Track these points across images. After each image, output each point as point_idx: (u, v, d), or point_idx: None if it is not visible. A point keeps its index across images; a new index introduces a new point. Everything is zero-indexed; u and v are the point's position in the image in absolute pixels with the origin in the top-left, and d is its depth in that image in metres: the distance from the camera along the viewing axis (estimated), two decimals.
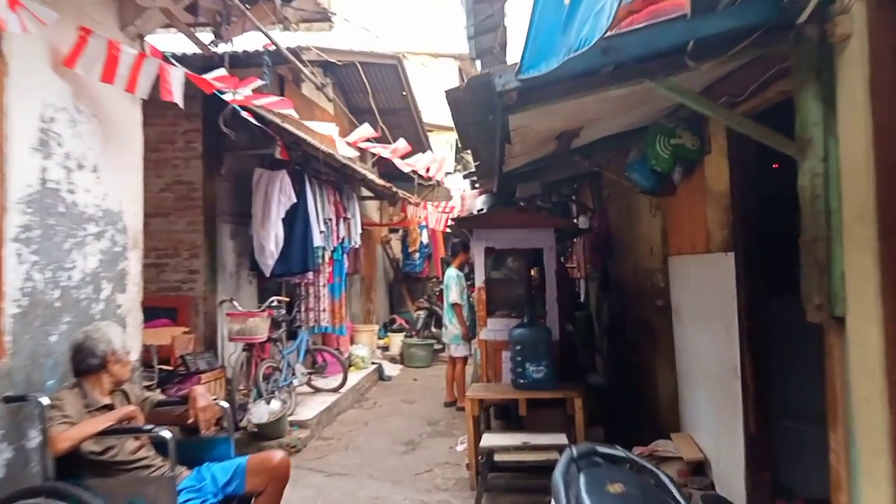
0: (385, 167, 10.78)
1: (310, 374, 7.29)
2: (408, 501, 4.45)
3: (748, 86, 2.92)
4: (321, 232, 6.96)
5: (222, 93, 4.50)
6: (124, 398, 3.05)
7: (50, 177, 3.18)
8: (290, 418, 5.85)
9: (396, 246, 13.07)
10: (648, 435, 4.77)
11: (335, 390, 7.20)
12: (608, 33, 1.90)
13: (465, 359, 7.21)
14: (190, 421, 3.03)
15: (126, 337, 3.63)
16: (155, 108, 5.71)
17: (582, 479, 1.67)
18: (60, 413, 2.64)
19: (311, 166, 7.02)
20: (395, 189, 9.65)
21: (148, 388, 5.14)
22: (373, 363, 9.12)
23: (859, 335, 2.14)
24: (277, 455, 3.11)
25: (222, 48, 4.40)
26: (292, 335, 7.11)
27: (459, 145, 14.46)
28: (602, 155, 4.85)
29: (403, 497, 4.52)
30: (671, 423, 4.54)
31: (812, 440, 3.17)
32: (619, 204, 5.97)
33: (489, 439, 4.29)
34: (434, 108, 12.88)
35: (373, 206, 11.71)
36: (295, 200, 6.44)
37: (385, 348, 10.62)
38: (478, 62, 6.83)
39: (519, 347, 4.59)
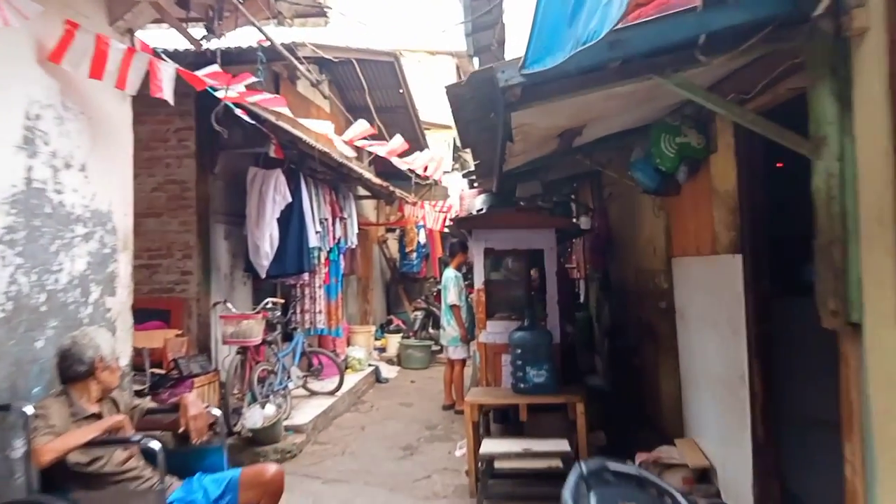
0: (382, 166, 10.67)
1: (305, 376, 7.18)
2: None
3: (757, 83, 2.84)
4: (317, 232, 6.85)
5: (215, 90, 4.39)
6: (113, 406, 2.94)
7: (35, 176, 3.07)
8: (285, 423, 5.74)
9: (393, 246, 12.96)
10: (650, 439, 4.68)
11: (331, 393, 7.10)
12: (617, 26, 1.80)
13: (463, 361, 7.11)
14: (181, 430, 2.93)
15: (115, 342, 3.54)
16: (147, 105, 5.59)
17: (593, 498, 1.58)
18: (45, 423, 2.53)
19: (306, 165, 6.90)
20: (392, 188, 9.54)
21: (140, 392, 5.07)
22: (369, 365, 9.02)
23: (877, 342, 2.05)
24: (271, 468, 3.01)
25: (215, 44, 4.29)
26: (288, 337, 7.01)
27: (458, 144, 14.39)
28: (604, 154, 4.76)
29: None
30: (674, 427, 4.46)
31: (822, 447, 3.10)
32: (621, 203, 5.88)
33: (489, 445, 4.19)
34: (431, 106, 12.79)
35: (369, 206, 11.60)
36: (290, 200, 6.32)
37: (382, 350, 10.52)
38: (475, 59, 6.72)
39: (519, 351, 4.50)
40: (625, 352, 6.09)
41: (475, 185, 6.72)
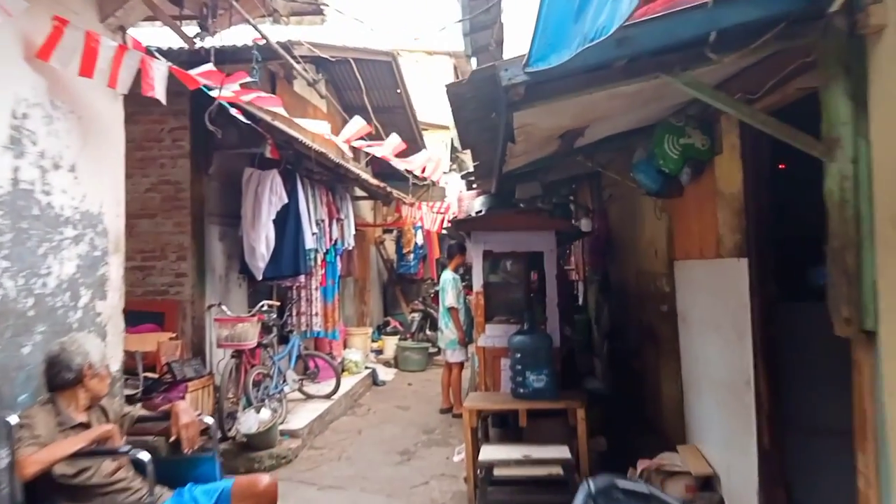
0: (379, 166, 10.60)
1: (301, 380, 7.09)
2: None
3: (765, 82, 2.77)
4: (313, 234, 6.76)
5: (210, 89, 4.30)
6: (102, 414, 2.86)
7: (23, 177, 2.98)
8: (280, 427, 5.65)
9: (390, 247, 12.87)
10: (651, 444, 4.61)
11: (328, 397, 7.01)
12: (627, 22, 1.73)
13: (461, 364, 7.03)
14: (172, 438, 2.85)
15: (106, 347, 3.46)
16: (140, 104, 5.49)
17: None
18: (30, 433, 2.44)
19: (302, 166, 6.82)
20: (389, 189, 9.46)
21: (132, 397, 4.98)
22: (366, 368, 8.94)
23: (893, 351, 1.98)
24: (264, 479, 2.92)
25: (209, 42, 4.20)
26: (283, 340, 6.92)
27: (455, 144, 14.32)
28: (605, 155, 4.68)
29: None
30: (676, 433, 4.39)
31: (830, 455, 3.04)
32: (621, 205, 5.81)
33: (488, 452, 4.11)
34: (429, 107, 12.73)
35: (366, 207, 11.52)
36: (286, 201, 6.24)
37: (379, 352, 10.43)
38: (473, 59, 6.65)
39: (519, 355, 4.41)
40: (624, 355, 6.02)
41: (474, 186, 6.64)
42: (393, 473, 5.16)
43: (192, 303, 5.83)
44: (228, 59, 5.06)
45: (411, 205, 10.65)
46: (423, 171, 6.84)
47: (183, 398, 5.11)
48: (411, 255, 12.20)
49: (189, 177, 5.89)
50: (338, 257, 7.87)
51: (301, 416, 6.25)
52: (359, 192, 9.78)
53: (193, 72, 4.15)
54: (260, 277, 6.24)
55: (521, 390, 4.42)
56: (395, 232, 12.51)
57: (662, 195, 4.09)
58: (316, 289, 7.21)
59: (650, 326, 5.13)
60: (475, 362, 5.69)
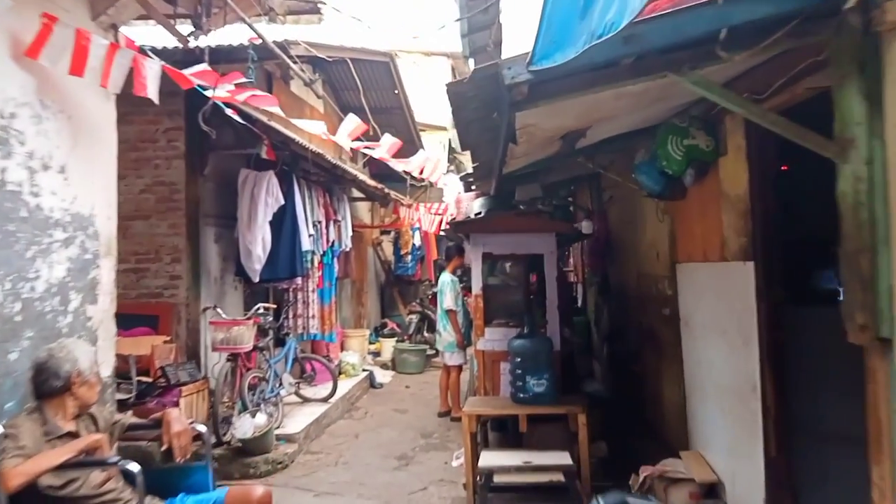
0: (376, 167, 10.51)
1: (298, 383, 7.00)
2: None
3: (773, 82, 2.70)
4: (310, 235, 6.68)
5: (204, 88, 4.22)
6: (91, 423, 2.77)
7: (10, 178, 2.89)
8: (276, 431, 5.56)
9: (388, 248, 12.79)
10: (653, 450, 4.55)
11: (324, 400, 6.92)
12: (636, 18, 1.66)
13: (459, 367, 6.95)
14: (163, 447, 2.77)
15: (97, 352, 3.38)
16: (134, 104, 5.40)
17: None
18: (14, 444, 2.36)
19: (299, 167, 6.74)
20: (386, 190, 9.38)
21: (125, 401, 4.90)
22: (364, 370, 8.85)
23: None
24: (258, 490, 2.84)
25: (204, 42, 4.12)
26: (280, 343, 6.83)
27: (453, 145, 14.26)
28: (606, 156, 4.61)
29: None
30: (678, 438, 4.32)
31: (839, 462, 2.97)
32: (622, 207, 5.75)
33: (488, 458, 4.04)
34: (426, 108, 12.66)
35: (364, 208, 11.44)
36: (283, 202, 6.15)
37: (376, 354, 10.34)
38: (471, 60, 6.58)
39: (519, 360, 4.35)
40: (624, 357, 5.96)
41: (472, 187, 6.57)
42: (391, 479, 5.08)
43: (186, 305, 5.75)
44: (223, 58, 4.98)
45: (409, 206, 10.58)
46: (422, 171, 6.76)
47: (177, 403, 5.03)
48: (409, 257, 12.13)
49: (184, 178, 5.80)
50: (335, 259, 7.79)
51: (297, 420, 6.17)
52: (356, 194, 9.70)
53: (187, 71, 4.08)
54: (256, 280, 6.15)
55: (522, 395, 4.35)
56: (392, 233, 12.43)
57: (665, 197, 4.02)
58: (313, 291, 7.13)
59: (651, 329, 5.06)
60: (474, 366, 5.61)
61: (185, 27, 4.18)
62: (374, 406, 7.76)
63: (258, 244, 5.96)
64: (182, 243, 5.76)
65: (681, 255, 4.18)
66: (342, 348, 9.09)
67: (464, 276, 7.31)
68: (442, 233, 11.38)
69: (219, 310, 5.81)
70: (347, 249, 8.37)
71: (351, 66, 8.28)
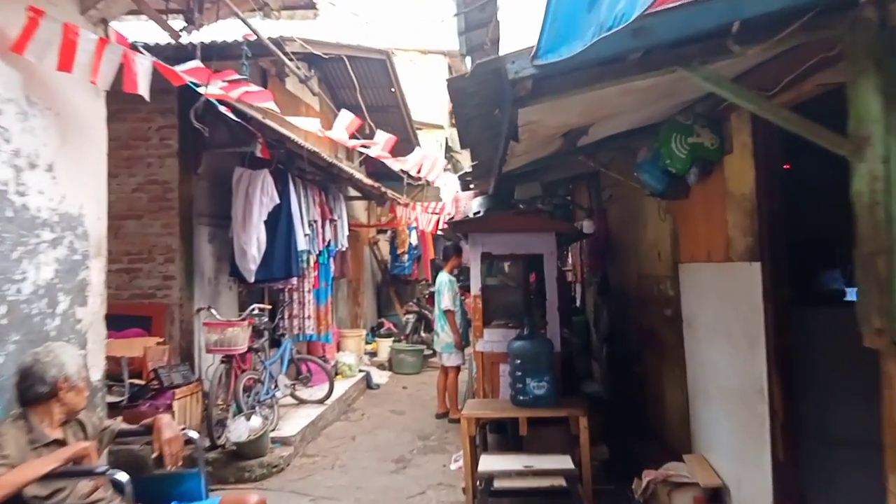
0: (373, 166, 10.44)
1: (293, 385, 6.91)
2: None
3: (781, 78, 2.63)
4: (306, 235, 6.59)
5: (197, 85, 4.13)
6: (79, 429, 2.68)
7: None
8: (272, 434, 5.48)
9: (384, 247, 12.70)
10: (655, 453, 4.48)
11: (321, 402, 6.84)
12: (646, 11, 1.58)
13: (457, 368, 6.87)
14: (154, 455, 2.68)
15: (86, 356, 3.30)
16: (126, 101, 5.29)
17: None
18: None
19: (295, 165, 6.64)
20: (383, 189, 9.29)
21: (117, 404, 4.80)
22: (360, 371, 8.77)
23: None
24: (253, 498, 2.76)
25: (197, 38, 4.04)
26: (275, 344, 6.74)
27: (450, 144, 14.18)
28: (606, 154, 4.54)
29: None
30: (681, 441, 4.25)
31: (849, 468, 2.91)
32: (622, 206, 5.67)
33: (488, 462, 3.96)
34: (423, 106, 12.57)
35: (360, 207, 11.35)
36: (278, 201, 6.06)
37: (373, 354, 10.26)
38: (468, 59, 6.49)
39: (519, 361, 4.27)
40: (624, 359, 5.88)
41: (470, 186, 6.49)
42: (388, 482, 5.00)
43: (180, 306, 5.66)
44: (217, 55, 4.91)
45: (406, 205, 10.49)
46: (419, 170, 6.67)
47: (170, 406, 4.94)
48: (406, 256, 12.04)
49: (177, 176, 5.71)
50: (331, 259, 7.70)
51: (293, 423, 6.08)
52: (352, 192, 9.61)
53: (179, 68, 3.98)
54: (251, 280, 6.06)
55: (522, 397, 4.27)
56: (389, 232, 12.34)
57: (667, 196, 3.95)
58: (308, 291, 7.03)
59: (652, 330, 4.99)
60: (473, 367, 5.54)
61: (178, 23, 4.09)
62: (370, 407, 7.68)
63: (253, 244, 5.87)
64: (175, 243, 5.67)
65: (683, 256, 4.11)
66: (338, 349, 9.00)
67: (460, 275, 7.24)
68: (439, 232, 11.30)
69: (213, 311, 5.72)
70: (343, 249, 8.27)
71: (347, 63, 8.20)
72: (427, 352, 10.24)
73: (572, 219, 6.17)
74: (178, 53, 5.11)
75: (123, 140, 5.64)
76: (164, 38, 5.37)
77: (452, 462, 5.33)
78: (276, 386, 6.20)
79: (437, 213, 10.66)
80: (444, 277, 6.94)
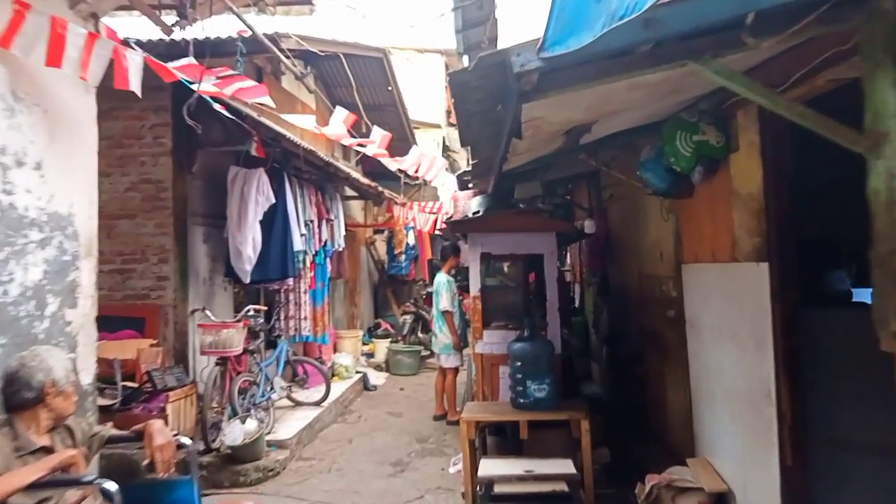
0: (370, 165, 10.35)
1: (290, 386, 6.83)
2: None
3: (791, 74, 2.56)
4: (302, 235, 6.50)
5: (191, 82, 4.04)
6: (68, 436, 2.59)
7: None
8: (267, 437, 5.39)
9: (381, 247, 12.62)
10: (657, 456, 4.41)
11: (317, 404, 6.75)
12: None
13: (455, 369, 6.80)
14: (146, 461, 2.60)
15: (76, 359, 3.21)
16: (119, 99, 5.22)
17: None
18: None
19: (290, 164, 6.55)
20: (380, 188, 9.21)
21: (109, 407, 4.71)
22: (357, 372, 8.68)
23: None
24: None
25: (191, 34, 3.94)
26: (271, 345, 6.65)
27: (447, 143, 14.10)
28: (608, 153, 4.47)
29: None
30: (683, 444, 4.19)
31: (860, 472, 2.85)
32: (623, 205, 5.60)
33: (488, 467, 3.89)
34: (420, 105, 12.49)
35: (357, 206, 11.27)
36: (273, 201, 5.97)
37: (370, 355, 10.18)
38: (465, 57, 6.42)
39: (519, 363, 4.20)
40: (624, 360, 5.82)
41: (469, 185, 6.42)
42: (386, 486, 4.92)
43: (174, 307, 5.56)
44: (211, 52, 4.81)
45: (403, 205, 10.41)
46: (417, 170, 6.59)
47: (164, 409, 4.86)
48: (403, 256, 11.95)
49: (171, 175, 5.61)
50: (327, 259, 7.61)
51: (289, 425, 6.00)
52: (349, 192, 9.53)
53: (172, 65, 3.89)
54: (246, 281, 5.97)
55: (522, 400, 4.20)
56: (386, 232, 12.26)
57: (671, 195, 3.88)
58: (305, 292, 6.95)
59: (654, 332, 4.93)
60: (472, 369, 5.46)
61: (170, 18, 3.99)
62: (367, 409, 7.60)
63: (248, 244, 5.78)
64: (169, 243, 5.58)
65: (687, 256, 4.04)
66: (335, 350, 8.92)
67: (458, 276, 7.17)
68: (437, 232, 11.22)
69: (207, 312, 5.63)
70: (340, 249, 8.19)
71: (343, 61, 8.11)
72: (424, 353, 10.17)
73: (573, 218, 6.10)
74: (171, 50, 5.04)
75: (116, 138, 5.55)
76: (156, 35, 5.29)
77: (451, 465, 5.25)
78: (271, 388, 6.12)
79: (434, 213, 10.58)
80: (442, 278, 6.87)
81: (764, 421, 3.03)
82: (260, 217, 5.85)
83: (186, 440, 2.74)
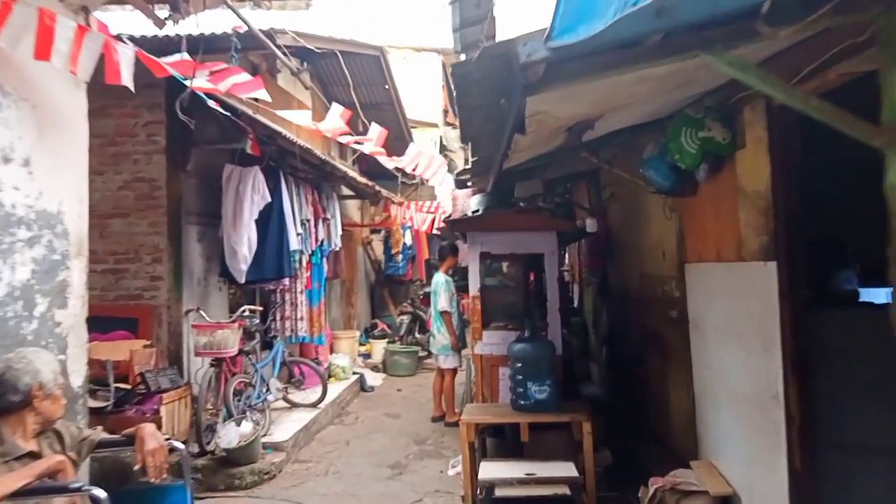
0: (367, 164, 10.27)
1: (286, 388, 6.74)
2: None
3: (801, 68, 2.49)
4: (298, 234, 6.42)
5: (185, 77, 3.95)
6: (56, 440, 2.51)
7: None
8: (263, 440, 5.30)
9: (378, 247, 12.54)
10: (660, 458, 4.35)
11: (314, 405, 6.67)
12: None
13: (454, 370, 6.73)
14: (137, 466, 2.51)
15: (66, 361, 3.13)
16: (112, 97, 5.17)
17: None
18: None
19: (286, 162, 6.47)
20: (377, 188, 9.13)
21: (102, 410, 4.61)
22: (354, 373, 8.60)
23: None
24: None
25: (183, 29, 3.86)
26: (267, 346, 6.56)
27: (444, 143, 14.02)
28: (610, 151, 4.40)
29: None
30: (686, 446, 4.12)
31: (871, 476, 2.79)
32: (623, 204, 5.54)
33: (488, 470, 3.82)
34: (417, 104, 12.41)
35: (353, 206, 11.19)
36: (269, 200, 5.88)
37: (367, 356, 10.10)
38: (462, 56, 6.35)
39: (520, 365, 4.13)
40: (625, 361, 5.76)
41: (468, 184, 6.34)
42: (384, 489, 4.85)
43: (168, 308, 5.47)
44: (204, 48, 4.71)
45: (400, 204, 10.34)
46: (415, 168, 6.52)
47: (157, 411, 4.77)
48: (400, 256, 11.87)
49: (165, 174, 5.52)
50: (324, 259, 7.53)
51: (285, 427, 5.91)
52: (346, 191, 9.44)
53: (164, 60, 3.81)
54: (242, 281, 5.88)
55: (523, 402, 4.13)
56: (383, 232, 12.18)
57: (674, 193, 3.81)
58: (301, 292, 6.87)
59: (655, 332, 4.86)
60: (472, 370, 5.38)
61: (164, 12, 3.91)
62: (365, 411, 7.52)
63: (244, 243, 5.69)
64: (163, 243, 5.49)
65: (690, 255, 3.98)
66: (331, 351, 8.84)
67: (455, 275, 7.09)
68: (435, 231, 11.14)
69: (202, 312, 5.54)
70: (337, 249, 8.11)
71: (340, 59, 8.02)
72: (421, 353, 10.09)
73: (574, 217, 6.04)
74: (164, 46, 4.94)
75: (109, 136, 5.46)
76: (149, 31, 5.21)
77: (450, 468, 5.18)
78: (267, 389, 6.03)
79: (431, 213, 10.50)
80: (440, 278, 6.80)
81: (771, 423, 2.96)
82: (255, 216, 5.76)
83: (179, 444, 2.67)
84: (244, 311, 5.76)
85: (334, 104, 5.50)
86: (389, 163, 6.93)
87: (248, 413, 5.39)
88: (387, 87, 9.72)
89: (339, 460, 5.58)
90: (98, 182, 5.25)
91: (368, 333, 10.92)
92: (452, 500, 4.51)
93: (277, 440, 5.52)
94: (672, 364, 4.47)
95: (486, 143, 3.35)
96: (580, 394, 5.18)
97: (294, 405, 6.67)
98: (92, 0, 3.45)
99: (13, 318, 2.86)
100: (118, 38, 3.63)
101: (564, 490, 3.64)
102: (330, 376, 7.84)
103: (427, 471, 5.25)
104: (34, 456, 2.34)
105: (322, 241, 7.32)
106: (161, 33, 4.33)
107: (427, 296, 9.06)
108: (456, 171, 7.56)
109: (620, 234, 5.90)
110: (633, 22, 1.66)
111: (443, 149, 13.94)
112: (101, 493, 2.11)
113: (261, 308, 6.44)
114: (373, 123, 6.00)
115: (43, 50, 2.85)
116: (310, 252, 6.93)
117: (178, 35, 4.54)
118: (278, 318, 6.76)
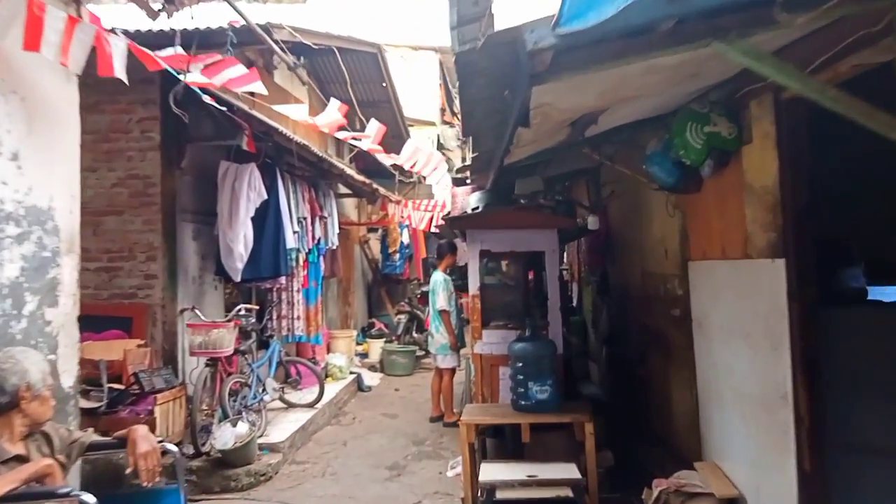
0: (364, 162, 10.20)
1: (282, 388, 6.66)
2: None
3: (813, 59, 2.43)
4: (295, 232, 6.34)
5: (178, 72, 3.87)
6: (45, 443, 2.43)
7: None
8: (259, 440, 5.22)
9: (375, 246, 12.46)
10: (662, 459, 4.30)
11: (310, 405, 6.58)
12: None
13: (452, 370, 6.66)
14: (129, 469, 2.44)
15: (56, 361, 3.05)
16: (106, 93, 5.09)
17: None
18: None
19: (283, 159, 6.38)
20: (375, 186, 9.05)
21: (95, 410, 4.54)
22: (351, 373, 8.52)
23: None
24: None
25: (177, 22, 3.78)
26: (263, 345, 6.48)
27: (441, 141, 13.95)
28: (611, 146, 4.34)
29: None
30: (689, 447, 4.06)
31: (879, 477, 2.73)
32: (624, 202, 5.47)
33: (489, 471, 3.74)
34: (414, 103, 12.34)
35: (350, 204, 11.10)
36: (265, 197, 5.80)
37: (364, 355, 10.01)
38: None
39: (520, 364, 4.05)
40: (625, 360, 5.69)
41: (467, 182, 6.28)
42: (382, 491, 4.77)
43: (162, 307, 5.39)
44: (199, 42, 4.66)
45: (398, 202, 10.26)
46: (413, 165, 6.44)
47: (152, 412, 4.70)
48: (397, 255, 11.80)
49: (159, 171, 5.44)
50: (321, 257, 7.45)
51: (282, 428, 5.83)
52: (343, 189, 9.36)
53: (158, 54, 3.73)
54: (237, 279, 5.80)
55: (523, 402, 4.06)
56: (380, 231, 12.10)
57: (678, 190, 3.75)
58: (297, 291, 6.79)
59: (658, 331, 4.80)
60: (471, 370, 5.32)
61: (158, 4, 3.83)
62: (362, 411, 7.44)
63: (240, 241, 5.61)
64: (157, 240, 5.40)
65: (694, 253, 3.91)
66: (328, 350, 8.76)
67: (453, 274, 7.03)
68: (434, 229, 11.07)
69: (197, 311, 5.46)
70: (334, 247, 8.03)
71: (338, 55, 7.94)
72: (419, 353, 10.02)
73: (575, 215, 5.97)
74: (158, 40, 4.86)
75: (103, 132, 5.38)
76: (142, 26, 5.13)
77: (449, 469, 5.11)
78: (263, 390, 5.94)
79: (429, 211, 10.43)
80: (438, 277, 6.73)
81: (779, 424, 2.90)
82: (251, 214, 5.69)
83: (172, 446, 2.59)
84: (240, 310, 5.69)
85: (332, 100, 5.41)
86: (387, 159, 6.85)
87: (243, 413, 5.31)
88: (384, 84, 9.65)
89: (337, 461, 5.51)
90: (91, 179, 5.16)
91: (365, 333, 10.85)
92: (452, 501, 4.45)
93: (274, 441, 5.44)
94: (675, 363, 4.41)
95: (488, 137, 3.28)
96: (581, 394, 5.12)
97: (290, 405, 6.59)
98: None
99: (1, 316, 2.79)
100: (111, 30, 3.55)
101: (566, 492, 3.56)
102: (327, 376, 7.76)
103: (426, 472, 5.18)
104: (21, 460, 2.26)
105: (319, 240, 7.24)
106: (155, 27, 4.25)
107: (425, 295, 8.99)
108: (455, 168, 7.49)
109: (621, 232, 5.84)
110: (644, 8, 1.61)
111: (440, 147, 13.87)
112: (90, 499, 2.04)
113: (257, 307, 6.36)
114: (371, 120, 5.92)
115: (32, 41, 2.78)
116: (306, 250, 6.85)
117: (172, 29, 4.47)
118: (274, 317, 6.68)
